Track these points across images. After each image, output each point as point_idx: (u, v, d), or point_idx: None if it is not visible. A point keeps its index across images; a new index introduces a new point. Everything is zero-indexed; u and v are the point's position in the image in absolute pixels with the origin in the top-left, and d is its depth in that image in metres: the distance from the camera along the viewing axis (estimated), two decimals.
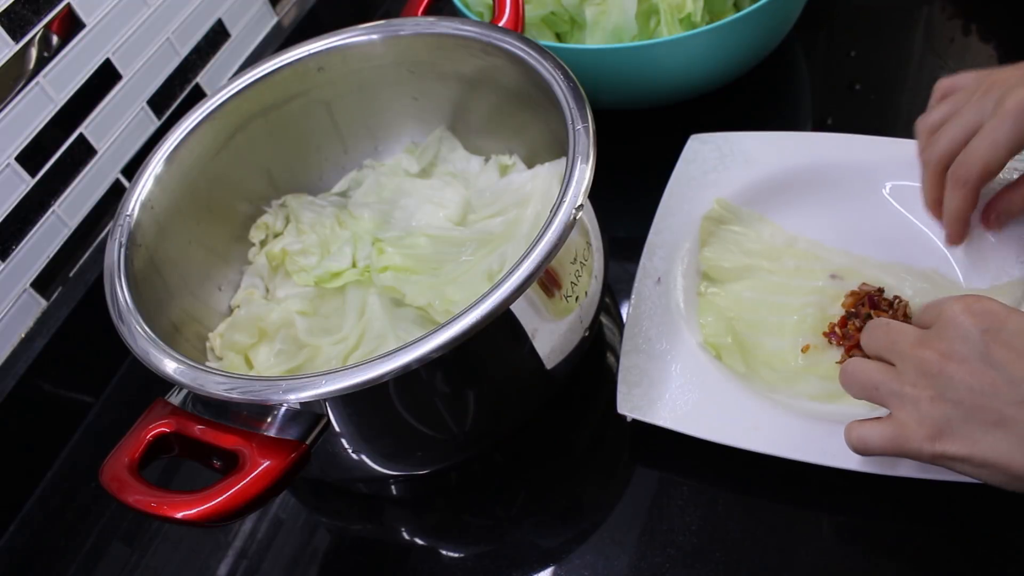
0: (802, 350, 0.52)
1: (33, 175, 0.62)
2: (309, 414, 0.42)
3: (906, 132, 0.66)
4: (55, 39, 0.62)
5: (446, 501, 0.54)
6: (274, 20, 0.84)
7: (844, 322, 0.52)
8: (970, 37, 0.72)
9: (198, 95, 0.75)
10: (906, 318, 0.51)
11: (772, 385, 0.51)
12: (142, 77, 0.69)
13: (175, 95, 0.73)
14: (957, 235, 0.51)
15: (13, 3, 0.58)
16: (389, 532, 0.54)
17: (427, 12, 0.63)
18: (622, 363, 0.52)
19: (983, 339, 0.38)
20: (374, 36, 0.59)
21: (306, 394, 0.40)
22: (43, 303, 0.64)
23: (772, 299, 0.55)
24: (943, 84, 0.52)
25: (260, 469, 0.40)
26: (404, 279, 0.54)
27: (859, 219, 0.57)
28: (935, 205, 0.51)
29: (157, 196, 0.54)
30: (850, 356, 0.50)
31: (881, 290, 0.53)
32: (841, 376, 0.43)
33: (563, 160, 0.49)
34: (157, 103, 0.71)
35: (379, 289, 0.55)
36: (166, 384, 0.44)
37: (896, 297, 0.52)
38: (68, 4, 0.62)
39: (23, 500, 0.60)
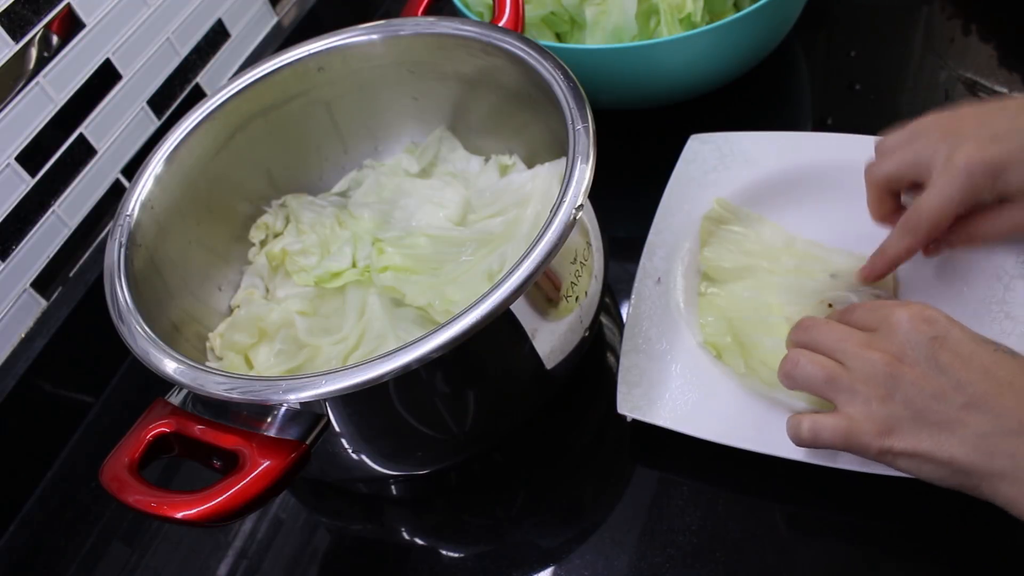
0: None
1: (33, 175, 0.62)
2: (309, 414, 0.42)
3: None
4: (55, 39, 0.62)
5: (446, 501, 0.54)
6: (274, 20, 0.84)
7: None
8: (970, 37, 0.72)
9: (198, 95, 0.75)
10: None
11: (772, 385, 0.51)
12: (142, 77, 0.69)
13: (175, 95, 0.73)
14: (878, 274, 0.51)
15: (13, 3, 0.58)
16: (389, 532, 0.54)
17: (427, 12, 0.63)
18: (622, 363, 0.52)
19: (931, 345, 0.40)
20: (374, 36, 0.59)
21: (306, 394, 0.40)
22: (43, 303, 0.64)
23: (772, 299, 0.55)
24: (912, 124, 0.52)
25: (260, 469, 0.40)
26: (404, 279, 0.54)
27: (859, 219, 0.57)
28: (882, 220, 0.52)
29: (157, 196, 0.54)
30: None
31: None
32: (786, 365, 0.44)
33: (563, 160, 0.49)
34: (157, 103, 0.71)
35: (379, 289, 0.55)
36: (166, 384, 0.44)
37: None
38: (68, 4, 0.62)
39: (23, 500, 0.60)
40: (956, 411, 0.39)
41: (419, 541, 0.54)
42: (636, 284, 0.56)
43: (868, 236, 0.56)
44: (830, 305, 0.53)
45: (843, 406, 0.42)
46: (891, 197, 0.51)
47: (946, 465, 0.39)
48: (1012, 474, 0.38)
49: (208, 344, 0.56)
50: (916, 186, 0.49)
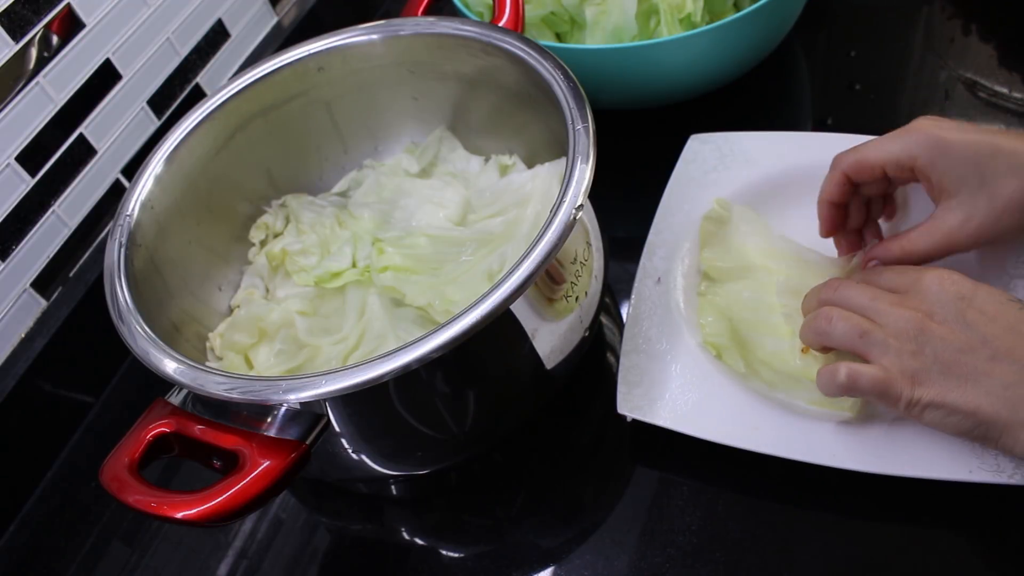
0: (801, 351, 0.52)
1: (33, 175, 0.62)
2: (309, 414, 0.42)
3: None
4: (55, 39, 0.62)
5: (446, 501, 0.54)
6: (274, 20, 0.84)
7: None
8: (970, 37, 0.72)
9: (198, 95, 0.75)
10: None
11: (772, 385, 0.51)
12: (142, 77, 0.69)
13: (175, 95, 0.73)
14: (822, 215, 0.53)
15: (13, 3, 0.58)
16: (389, 532, 0.54)
17: (427, 12, 0.63)
18: (622, 363, 0.52)
19: (959, 304, 0.43)
20: (374, 36, 0.59)
21: (306, 394, 0.40)
22: (43, 303, 0.64)
23: (772, 299, 0.54)
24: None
25: (260, 469, 0.40)
26: (404, 279, 0.54)
27: None
28: (823, 202, 0.52)
29: (157, 196, 0.54)
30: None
31: None
32: (815, 323, 0.46)
33: (563, 160, 0.49)
34: (157, 103, 0.71)
35: (379, 289, 0.55)
36: (166, 384, 0.44)
37: None
38: (68, 4, 0.62)
39: (23, 500, 0.60)
40: (983, 363, 0.41)
41: (419, 541, 0.53)
42: (636, 284, 0.56)
43: None
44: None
45: (877, 359, 0.43)
46: (847, 186, 0.51)
47: (971, 416, 0.41)
48: None
49: (208, 344, 0.56)
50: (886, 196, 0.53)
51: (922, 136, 0.47)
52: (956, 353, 0.42)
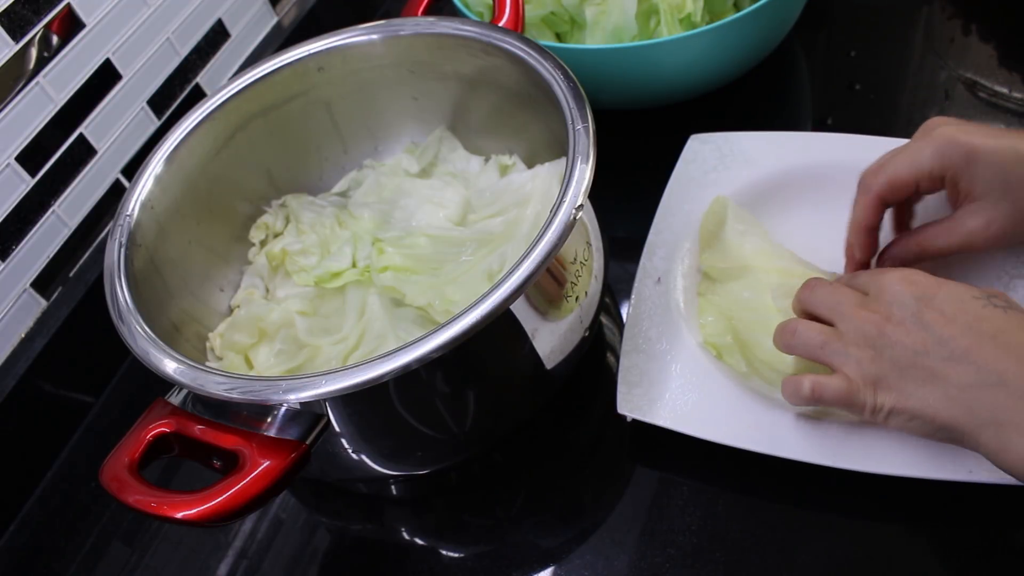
0: None
1: (33, 175, 0.62)
2: (309, 414, 0.42)
3: (906, 132, 0.65)
4: (55, 39, 0.62)
5: (446, 501, 0.54)
6: (274, 20, 0.84)
7: None
8: (970, 37, 0.72)
9: (198, 95, 0.75)
10: None
11: (773, 384, 0.51)
12: (142, 77, 0.69)
13: (175, 95, 0.73)
14: (858, 245, 0.51)
15: (13, 3, 0.58)
16: (389, 532, 0.54)
17: (427, 12, 0.63)
18: (622, 363, 0.52)
19: (917, 304, 0.42)
20: (374, 36, 0.59)
21: (306, 394, 0.40)
22: (43, 303, 0.64)
23: (770, 300, 0.54)
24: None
25: (260, 469, 0.40)
26: (404, 279, 0.54)
27: None
28: (854, 228, 0.51)
29: (157, 196, 0.54)
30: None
31: None
32: (782, 334, 0.46)
33: (563, 160, 0.49)
34: (157, 103, 0.71)
35: (379, 289, 0.55)
36: (166, 384, 0.44)
37: None
38: (68, 4, 0.62)
39: (23, 500, 0.60)
40: (939, 364, 0.40)
41: (419, 541, 0.53)
42: (636, 284, 0.56)
43: None
44: None
45: (839, 368, 0.44)
46: (882, 209, 0.50)
47: (930, 421, 0.41)
48: (993, 424, 0.39)
49: (208, 344, 0.56)
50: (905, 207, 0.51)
51: (952, 145, 0.46)
52: (912, 355, 0.41)
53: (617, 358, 0.53)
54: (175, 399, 0.44)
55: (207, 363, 0.53)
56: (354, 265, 0.57)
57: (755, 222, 0.58)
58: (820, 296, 0.46)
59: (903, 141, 0.57)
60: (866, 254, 0.51)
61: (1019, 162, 0.45)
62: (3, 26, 0.58)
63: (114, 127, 0.68)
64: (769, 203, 0.59)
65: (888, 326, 0.42)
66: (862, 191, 0.50)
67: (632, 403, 0.51)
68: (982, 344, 0.40)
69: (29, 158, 0.61)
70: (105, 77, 0.66)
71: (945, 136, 0.46)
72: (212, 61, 0.77)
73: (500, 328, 0.44)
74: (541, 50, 0.53)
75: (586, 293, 0.49)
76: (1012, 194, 0.45)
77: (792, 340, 0.46)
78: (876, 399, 0.42)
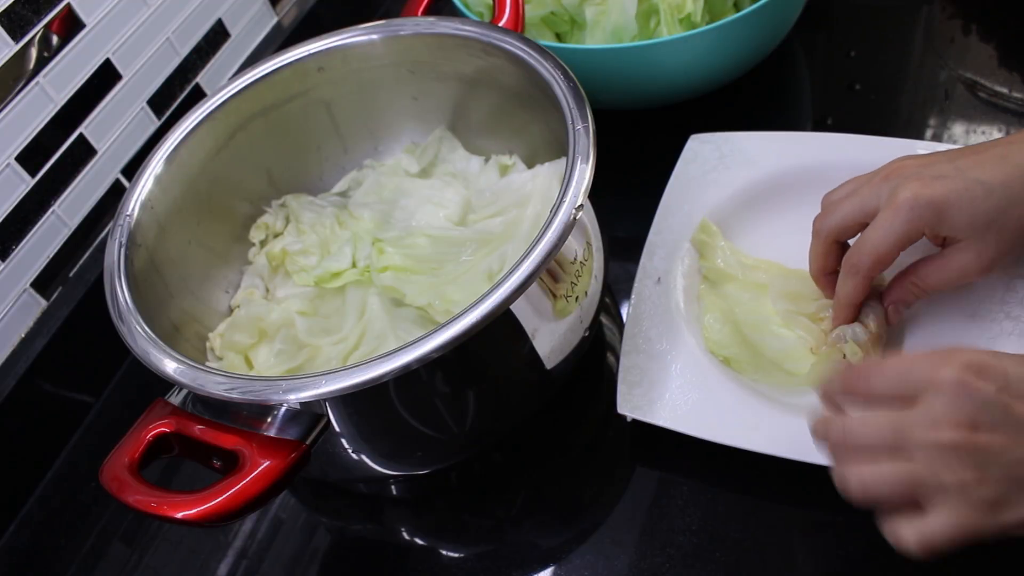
0: (810, 349, 0.52)
1: (33, 175, 0.62)
2: (309, 414, 0.42)
3: (906, 132, 0.66)
4: (55, 39, 0.62)
5: (446, 501, 0.54)
6: (274, 20, 0.84)
7: None
8: (970, 37, 0.72)
9: (198, 95, 0.75)
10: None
11: (784, 386, 0.51)
12: (142, 77, 0.69)
13: (175, 95, 0.73)
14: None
15: (13, 3, 0.58)
16: (389, 532, 0.54)
17: (427, 12, 0.63)
18: (622, 363, 0.52)
19: (1000, 398, 0.35)
20: (374, 36, 0.59)
21: (306, 394, 0.40)
22: (43, 303, 0.64)
23: (769, 303, 0.55)
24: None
25: (260, 469, 0.40)
26: (404, 279, 0.54)
27: None
28: (819, 274, 0.51)
29: (157, 196, 0.54)
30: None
31: None
32: (855, 490, 0.38)
33: (563, 160, 0.49)
34: (157, 103, 0.71)
35: (379, 289, 0.55)
36: (166, 384, 0.44)
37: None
38: (68, 4, 0.62)
39: (23, 500, 0.60)
40: None
41: (419, 541, 0.54)
42: (636, 284, 0.56)
43: None
44: (844, 356, 0.50)
45: (942, 504, 0.36)
46: (837, 249, 0.50)
47: None
48: None
49: (208, 344, 0.56)
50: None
51: (921, 207, 0.45)
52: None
53: (617, 358, 0.53)
54: (175, 399, 0.45)
55: (207, 363, 0.53)
56: (354, 265, 0.57)
57: (746, 233, 0.58)
58: (864, 433, 0.38)
59: (903, 141, 0.58)
60: (831, 293, 0.51)
61: (989, 196, 0.44)
62: (3, 26, 0.58)
63: (114, 127, 0.68)
64: (769, 203, 0.59)
65: (981, 437, 0.35)
66: (850, 274, 0.48)
67: (632, 403, 0.51)
68: None
69: (29, 158, 0.61)
70: (105, 77, 0.66)
71: (911, 199, 0.45)
72: (212, 61, 0.77)
73: (500, 328, 0.44)
74: (541, 50, 0.53)
75: (586, 293, 0.49)
76: (994, 226, 0.45)
77: (865, 493, 0.38)
78: (998, 521, 0.35)
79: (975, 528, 0.35)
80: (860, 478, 0.37)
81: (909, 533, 0.37)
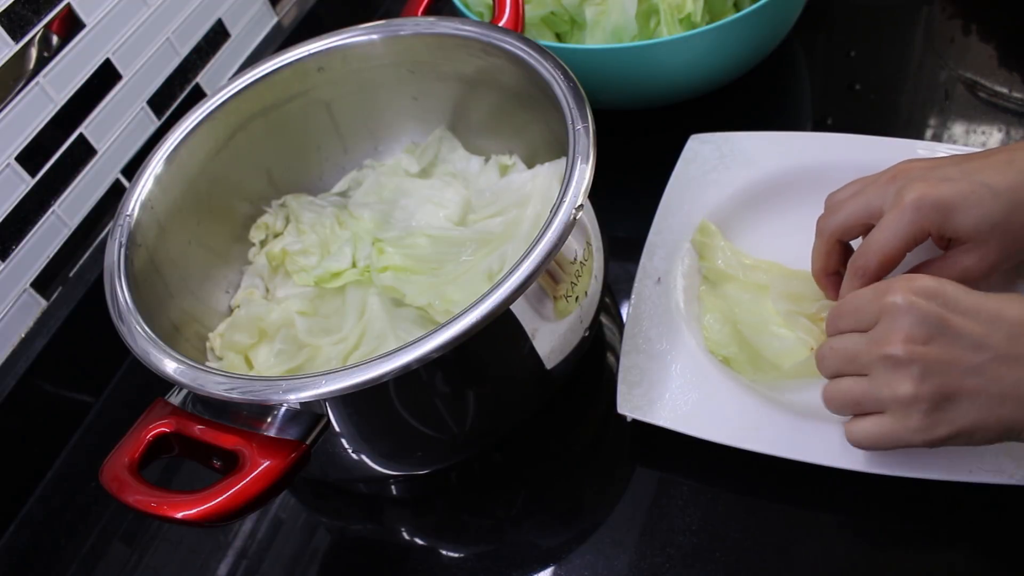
0: (809, 349, 0.52)
1: (33, 175, 0.62)
2: (309, 414, 0.42)
3: (906, 132, 0.66)
4: (55, 39, 0.62)
5: (446, 501, 0.54)
6: (274, 20, 0.84)
7: None
8: (970, 37, 0.72)
9: (198, 95, 0.75)
10: None
11: (779, 384, 0.51)
12: (142, 77, 0.69)
13: (175, 95, 0.73)
14: None
15: (13, 3, 0.58)
16: (389, 532, 0.54)
17: (427, 12, 0.63)
18: (622, 363, 0.52)
19: (939, 313, 0.40)
20: (374, 36, 0.59)
21: (306, 394, 0.40)
22: (43, 303, 0.64)
23: (769, 303, 0.54)
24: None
25: (260, 469, 0.40)
26: (404, 279, 0.54)
27: None
28: (821, 273, 0.52)
29: (157, 196, 0.54)
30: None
31: None
32: (826, 403, 0.45)
33: (563, 160, 0.49)
34: (157, 103, 0.71)
35: (379, 289, 0.55)
36: (166, 384, 0.44)
37: None
38: (68, 4, 0.62)
39: (23, 500, 0.60)
40: (989, 369, 0.39)
41: (419, 541, 0.54)
42: (636, 284, 0.56)
43: None
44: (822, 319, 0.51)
45: (876, 415, 0.42)
46: (840, 249, 0.50)
47: (993, 428, 0.39)
48: None
49: (208, 344, 0.56)
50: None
51: (928, 208, 0.45)
52: (954, 371, 0.39)
53: (617, 358, 0.53)
54: (175, 399, 0.45)
55: (207, 363, 0.53)
56: (354, 265, 0.57)
57: (745, 234, 0.58)
58: (828, 361, 0.44)
59: (903, 141, 0.58)
60: (833, 293, 0.51)
61: (996, 199, 0.44)
62: (3, 26, 0.58)
63: (114, 127, 0.68)
64: (769, 203, 0.59)
65: (917, 348, 0.39)
66: (855, 275, 0.48)
67: (632, 403, 0.51)
68: (1019, 334, 0.39)
69: (29, 158, 0.61)
70: (105, 77, 0.66)
71: (917, 199, 0.45)
72: (212, 61, 0.77)
73: (500, 328, 0.44)
74: (541, 50, 0.53)
75: (586, 293, 0.49)
76: (998, 229, 0.45)
77: (831, 406, 0.44)
78: (930, 434, 0.40)
79: (903, 438, 0.41)
80: (825, 393, 0.44)
81: (848, 430, 0.43)
